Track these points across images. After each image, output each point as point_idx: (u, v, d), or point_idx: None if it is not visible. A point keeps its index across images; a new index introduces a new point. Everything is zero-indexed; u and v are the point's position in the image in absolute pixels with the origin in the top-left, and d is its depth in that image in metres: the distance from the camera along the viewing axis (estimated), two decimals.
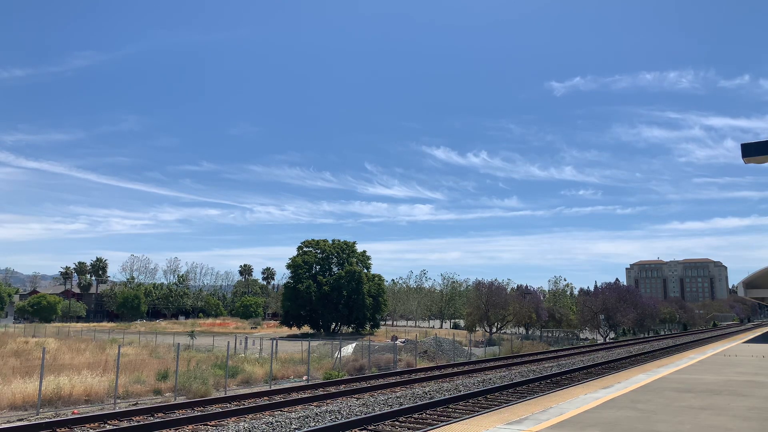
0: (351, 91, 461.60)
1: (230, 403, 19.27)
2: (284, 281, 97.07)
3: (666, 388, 14.68)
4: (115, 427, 14.93)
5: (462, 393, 20.50)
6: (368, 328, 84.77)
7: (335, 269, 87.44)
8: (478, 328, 77.20)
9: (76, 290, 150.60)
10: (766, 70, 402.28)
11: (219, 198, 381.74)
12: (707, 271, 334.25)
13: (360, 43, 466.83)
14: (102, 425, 15.64)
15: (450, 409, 17.77)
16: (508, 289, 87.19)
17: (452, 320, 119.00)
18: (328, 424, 14.44)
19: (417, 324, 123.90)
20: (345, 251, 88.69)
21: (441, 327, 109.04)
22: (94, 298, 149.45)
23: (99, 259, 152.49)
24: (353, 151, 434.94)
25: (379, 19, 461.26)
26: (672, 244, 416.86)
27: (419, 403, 18.11)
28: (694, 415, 10.71)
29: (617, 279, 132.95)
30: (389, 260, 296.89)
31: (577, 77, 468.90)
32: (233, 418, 16.33)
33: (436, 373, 28.67)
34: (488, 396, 20.50)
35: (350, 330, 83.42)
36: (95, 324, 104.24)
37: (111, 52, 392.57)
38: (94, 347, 41.12)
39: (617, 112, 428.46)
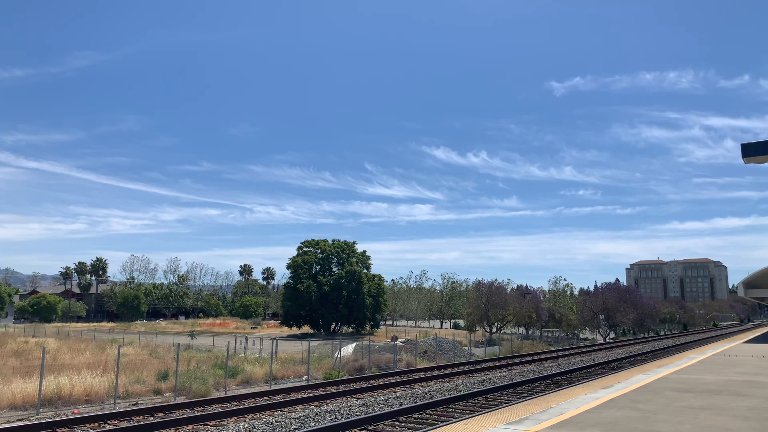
0: (351, 91, 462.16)
1: (230, 403, 19.27)
2: (284, 281, 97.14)
3: (666, 388, 14.68)
4: (115, 427, 14.93)
5: (462, 393, 20.51)
6: (368, 328, 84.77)
7: (335, 269, 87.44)
8: (478, 328, 77.19)
9: (76, 290, 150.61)
10: (766, 70, 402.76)
11: (219, 198, 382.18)
12: (707, 271, 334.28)
13: (360, 43, 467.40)
14: (102, 425, 15.64)
15: (450, 409, 17.77)
16: (508, 289, 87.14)
17: (452, 320, 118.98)
18: (328, 424, 14.44)
19: (417, 324, 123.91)
20: (345, 251, 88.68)
21: (441, 327, 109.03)
22: (94, 298, 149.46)
23: (99, 259, 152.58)
24: (353, 151, 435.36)
25: (378, 19, 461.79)
26: (672, 244, 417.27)
27: (419, 403, 18.11)
28: (694, 415, 10.71)
29: (617, 279, 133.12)
30: (389, 260, 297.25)
31: (577, 77, 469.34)
32: (233, 418, 16.33)
33: (436, 373, 28.67)
34: (488, 396, 20.50)
35: (350, 330, 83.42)
36: (95, 324, 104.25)
37: (111, 52, 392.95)
38: (94, 347, 41.10)
39: (617, 112, 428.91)
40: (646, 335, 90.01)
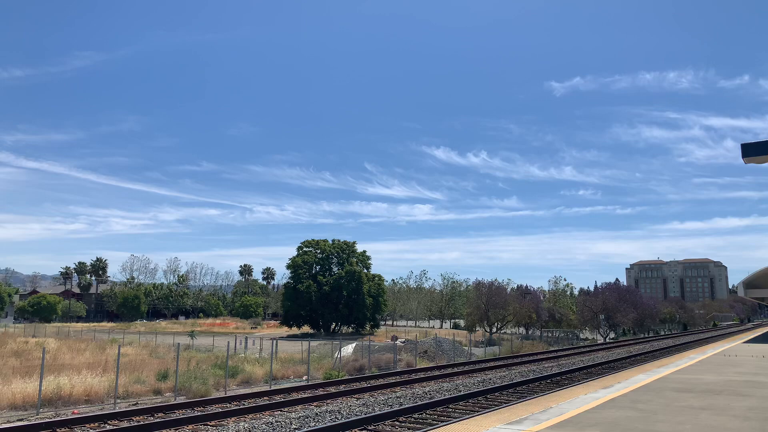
0: (351, 91, 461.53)
1: (230, 403, 19.27)
2: (284, 281, 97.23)
3: (666, 388, 14.68)
4: (115, 427, 14.93)
5: (462, 393, 20.51)
6: (368, 328, 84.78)
7: (335, 269, 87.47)
8: (478, 328, 77.21)
9: (76, 290, 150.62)
10: (766, 70, 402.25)
11: (219, 198, 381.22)
12: (707, 271, 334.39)
13: (359, 43, 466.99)
14: (102, 425, 15.64)
15: (450, 409, 17.77)
16: (508, 289, 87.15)
17: (452, 320, 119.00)
18: (328, 424, 14.44)
19: (417, 324, 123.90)
20: (345, 251, 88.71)
21: (441, 327, 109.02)
22: (94, 298, 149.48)
23: (99, 259, 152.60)
24: (353, 151, 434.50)
25: (378, 19, 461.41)
26: (672, 244, 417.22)
27: (419, 403, 18.11)
28: (694, 415, 10.71)
29: (617, 279, 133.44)
30: (389, 260, 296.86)
31: (577, 77, 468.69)
32: (233, 418, 16.33)
33: (436, 373, 28.67)
34: (488, 396, 20.50)
35: (350, 330, 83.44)
36: (95, 324, 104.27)
37: (111, 52, 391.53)
38: (94, 347, 41.12)
39: (617, 112, 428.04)
40: (646, 335, 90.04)
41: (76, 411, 18.61)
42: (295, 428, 14.62)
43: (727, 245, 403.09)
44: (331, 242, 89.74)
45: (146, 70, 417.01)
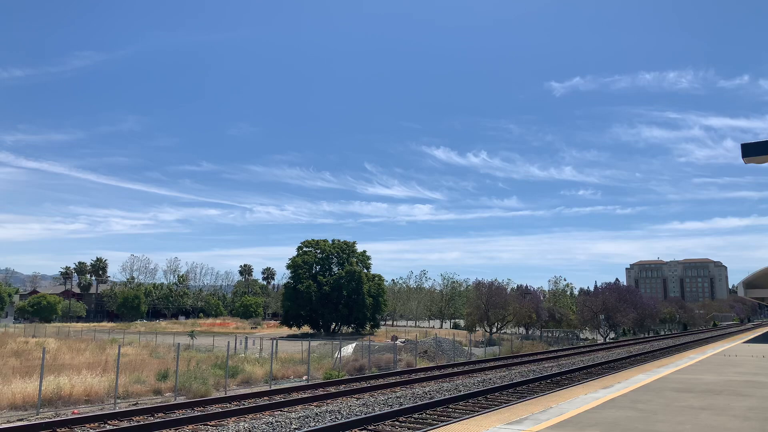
0: (351, 90, 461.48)
1: (230, 403, 19.27)
2: (284, 281, 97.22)
3: (666, 388, 14.68)
4: (115, 427, 14.94)
5: (462, 393, 20.51)
6: (368, 328, 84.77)
7: (335, 269, 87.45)
8: (478, 328, 77.20)
9: (76, 290, 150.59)
10: (765, 70, 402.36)
11: (219, 198, 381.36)
12: (707, 271, 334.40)
13: (359, 43, 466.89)
14: (102, 425, 15.64)
15: (450, 409, 17.77)
16: (508, 289, 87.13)
17: (452, 320, 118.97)
18: (328, 424, 14.45)
19: (417, 324, 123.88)
20: (345, 251, 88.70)
21: (441, 327, 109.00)
22: (94, 298, 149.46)
23: (99, 259, 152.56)
24: (353, 151, 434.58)
25: (379, 19, 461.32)
26: (672, 244, 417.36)
27: (419, 403, 18.11)
28: (694, 415, 10.71)
29: (617, 279, 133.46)
30: (389, 260, 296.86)
31: (577, 77, 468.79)
32: (233, 418, 16.33)
33: (436, 373, 28.68)
34: (488, 396, 20.50)
35: (350, 330, 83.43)
36: (95, 324, 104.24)
37: (111, 52, 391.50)
38: (94, 347, 41.11)
39: (617, 112, 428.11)
40: (646, 335, 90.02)
41: (76, 411, 18.61)
42: (295, 428, 14.62)
43: (727, 245, 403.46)
44: (331, 242, 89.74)
45: (146, 70, 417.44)
